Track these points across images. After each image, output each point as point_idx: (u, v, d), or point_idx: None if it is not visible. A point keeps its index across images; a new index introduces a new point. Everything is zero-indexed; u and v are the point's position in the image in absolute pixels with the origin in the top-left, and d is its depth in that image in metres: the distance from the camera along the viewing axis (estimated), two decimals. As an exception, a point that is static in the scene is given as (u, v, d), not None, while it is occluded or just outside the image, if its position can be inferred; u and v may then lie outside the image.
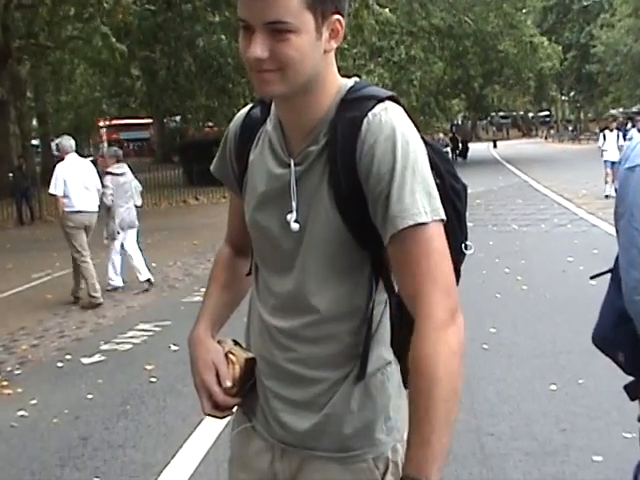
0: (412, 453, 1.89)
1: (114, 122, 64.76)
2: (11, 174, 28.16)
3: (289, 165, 2.12)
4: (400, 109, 2.08)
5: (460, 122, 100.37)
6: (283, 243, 2.15)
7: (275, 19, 1.92)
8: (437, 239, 1.96)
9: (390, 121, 2.01)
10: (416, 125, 2.08)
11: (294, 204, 2.11)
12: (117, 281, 13.05)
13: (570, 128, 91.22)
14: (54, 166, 12.32)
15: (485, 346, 8.03)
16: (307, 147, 2.10)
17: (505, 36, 53.56)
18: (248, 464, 2.34)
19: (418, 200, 1.95)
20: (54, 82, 48.48)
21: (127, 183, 12.97)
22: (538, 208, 21.55)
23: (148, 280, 12.63)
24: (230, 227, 2.52)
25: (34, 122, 53.17)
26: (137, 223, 13.38)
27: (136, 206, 13.42)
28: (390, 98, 2.09)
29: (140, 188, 13.86)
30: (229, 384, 2.19)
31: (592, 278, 3.47)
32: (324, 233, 2.08)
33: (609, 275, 3.14)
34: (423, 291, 1.93)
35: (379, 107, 2.04)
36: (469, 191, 2.36)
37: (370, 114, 2.02)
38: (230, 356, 2.26)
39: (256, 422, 2.30)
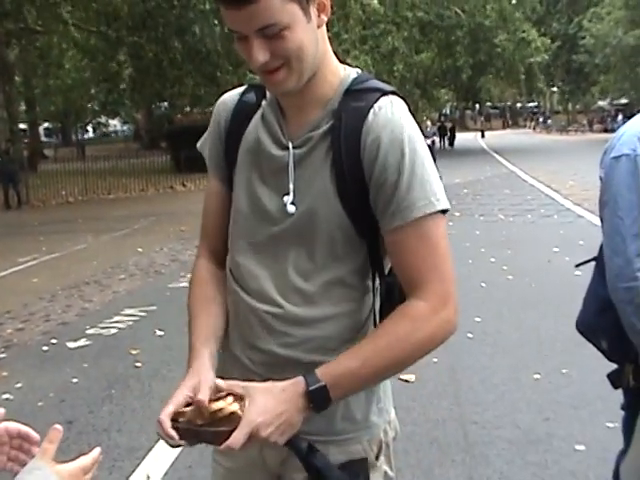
0: (335, 363, 2.00)
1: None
2: (-1, 158, 28.09)
3: (287, 148, 2.13)
4: (403, 103, 2.12)
5: (449, 111, 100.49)
6: (279, 224, 2.14)
7: (263, 24, 1.92)
8: (442, 230, 2.06)
9: (396, 114, 2.07)
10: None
11: (291, 186, 2.12)
12: None
13: (541, 119, 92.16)
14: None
15: (470, 335, 8.05)
16: (309, 132, 2.12)
17: (499, 30, 53.68)
18: (234, 452, 2.33)
19: (427, 191, 2.03)
20: (43, 66, 48.32)
21: None
22: (525, 198, 21.59)
23: None
24: (207, 229, 2.41)
25: (22, 106, 53.03)
26: None
27: None
28: (393, 92, 2.13)
29: None
30: (171, 409, 2.02)
31: (577, 266, 3.49)
32: (323, 217, 2.09)
33: (594, 264, 3.17)
34: (423, 279, 2.03)
35: (384, 100, 2.08)
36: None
37: (376, 106, 2.06)
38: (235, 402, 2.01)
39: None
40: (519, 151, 48.59)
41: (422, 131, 2.14)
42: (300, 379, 1.97)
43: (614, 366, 3.15)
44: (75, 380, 7.25)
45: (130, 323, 9.47)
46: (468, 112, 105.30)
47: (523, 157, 41.51)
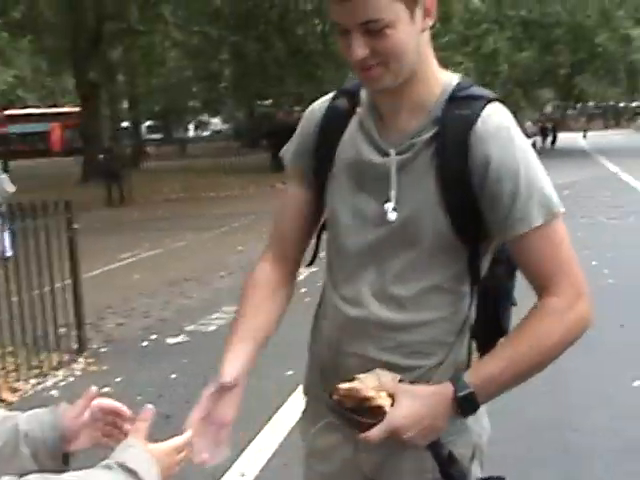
0: (480, 367, 2.05)
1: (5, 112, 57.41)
2: (102, 155, 28.57)
3: (388, 154, 2.11)
4: (507, 111, 2.12)
5: (550, 111, 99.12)
6: (380, 231, 2.14)
7: (367, 18, 1.92)
8: (563, 229, 2.10)
9: (504, 123, 2.08)
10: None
11: (393, 193, 2.11)
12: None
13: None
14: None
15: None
16: (411, 138, 2.10)
17: (601, 29, 52.82)
18: (329, 455, 2.33)
19: (545, 197, 2.05)
20: (146, 65, 49.07)
21: None
22: (627, 200, 21.19)
23: None
24: (281, 235, 2.40)
25: (125, 105, 53.93)
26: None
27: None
28: (496, 99, 2.12)
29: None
30: None
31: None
32: (425, 224, 2.08)
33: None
34: (553, 278, 2.06)
35: (490, 108, 2.09)
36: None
37: (484, 114, 2.06)
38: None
39: (335, 418, 2.25)
40: (622, 152, 47.69)
41: (523, 131, 2.13)
42: (448, 384, 1.99)
43: None
44: (173, 376, 7.35)
45: (229, 320, 9.53)
46: (569, 112, 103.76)
47: (626, 158, 40.71)
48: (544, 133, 57.39)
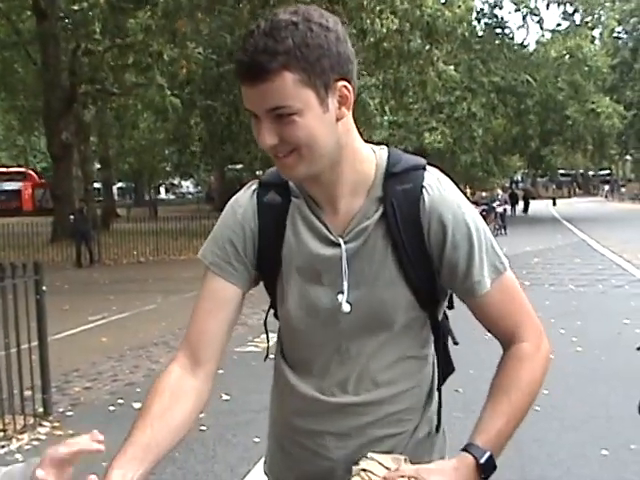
0: (486, 427, 2.03)
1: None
2: (72, 216, 28.52)
3: (337, 244, 2.10)
4: (442, 174, 2.15)
5: (520, 179, 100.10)
6: (336, 323, 2.13)
7: (274, 105, 1.90)
8: (514, 280, 2.18)
9: (448, 190, 2.11)
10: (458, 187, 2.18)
11: (345, 284, 2.10)
12: None
13: (606, 188, 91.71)
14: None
15: (537, 408, 7.87)
16: (358, 223, 2.09)
17: (570, 101, 53.73)
18: None
19: (497, 255, 2.13)
20: (118, 127, 49.22)
21: None
22: (596, 268, 21.34)
23: None
24: (196, 331, 2.22)
25: (97, 166, 54.00)
26: None
27: None
28: (429, 164, 2.14)
29: None
30: None
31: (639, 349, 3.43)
32: (390, 304, 2.09)
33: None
34: (518, 325, 2.14)
35: (428, 176, 2.10)
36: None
37: (426, 184, 2.08)
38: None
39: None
40: (591, 220, 48.16)
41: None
42: (466, 455, 1.98)
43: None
44: (140, 441, 7.26)
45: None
46: (539, 180, 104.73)
47: (595, 226, 41.10)
48: (513, 200, 57.88)
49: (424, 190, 2.06)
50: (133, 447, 1.99)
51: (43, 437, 7.68)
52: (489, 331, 2.18)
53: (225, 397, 8.59)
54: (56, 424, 8.04)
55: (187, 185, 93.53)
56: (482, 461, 1.96)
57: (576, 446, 6.97)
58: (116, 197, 66.23)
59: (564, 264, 22.56)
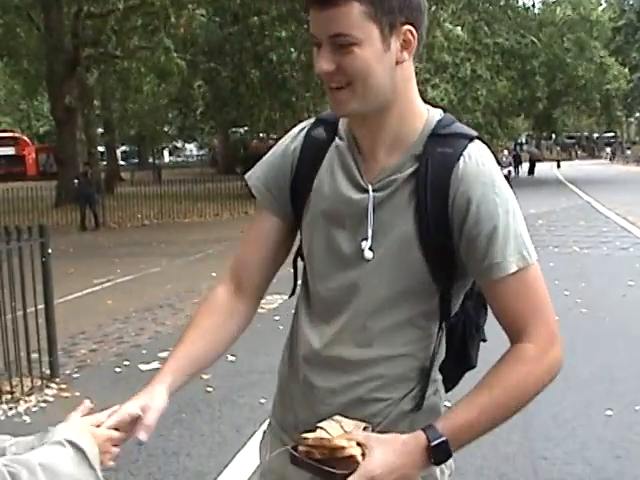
0: (453, 415, 1.99)
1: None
2: (76, 180, 28.47)
3: (366, 190, 2.11)
4: (488, 150, 2.11)
5: (524, 141, 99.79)
6: (356, 268, 2.12)
7: (337, 32, 1.92)
8: (539, 275, 2.08)
9: (486, 164, 2.06)
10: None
11: (370, 231, 2.09)
12: None
13: (608, 150, 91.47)
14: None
15: (542, 368, 7.96)
16: (390, 175, 2.09)
17: (578, 59, 53.46)
18: (284, 476, 2.30)
19: (521, 244, 2.03)
20: (121, 91, 49.03)
21: None
22: (600, 230, 21.31)
23: None
24: (243, 259, 2.34)
25: (100, 129, 53.87)
26: None
27: None
28: (478, 138, 2.11)
29: None
30: None
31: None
32: (401, 262, 2.08)
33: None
34: (529, 323, 2.04)
35: (472, 147, 2.07)
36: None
37: (466, 153, 2.05)
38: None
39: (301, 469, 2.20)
40: (595, 182, 48.01)
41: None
42: (420, 433, 1.95)
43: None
44: (146, 402, 7.28)
45: (202, 347, 9.50)
46: (543, 142, 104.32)
47: (599, 188, 40.98)
48: (517, 162, 57.73)
49: (462, 158, 2.04)
50: (176, 359, 2.19)
51: (50, 399, 7.72)
52: (498, 322, 2.10)
53: (231, 358, 8.61)
54: (63, 386, 8.08)
55: (190, 148, 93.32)
56: (433, 444, 1.93)
57: (581, 407, 7.00)
58: (120, 161, 66.18)
59: (568, 226, 22.52)
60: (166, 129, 65.70)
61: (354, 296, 2.14)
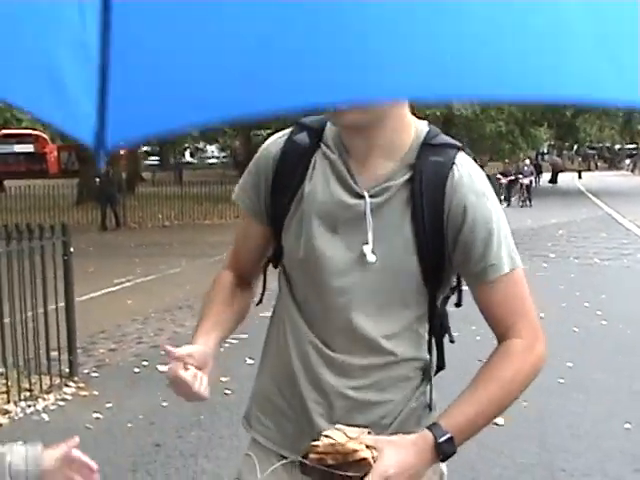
0: (454, 412, 2.08)
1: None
2: (97, 179, 28.55)
3: (362, 196, 2.14)
4: (475, 164, 2.22)
5: (546, 150, 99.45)
6: (348, 274, 2.16)
7: None
8: (523, 277, 2.21)
9: (476, 172, 2.18)
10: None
11: (370, 235, 2.13)
12: None
13: (627, 162, 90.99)
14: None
15: (561, 380, 7.95)
16: (384, 182, 2.15)
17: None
18: None
19: (511, 249, 2.17)
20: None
21: None
22: (621, 242, 21.24)
23: None
24: (237, 254, 2.48)
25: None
26: None
27: None
28: (462, 149, 2.21)
29: None
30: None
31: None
32: (397, 268, 2.14)
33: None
34: (516, 321, 2.16)
35: (461, 156, 2.17)
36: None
37: (457, 162, 2.15)
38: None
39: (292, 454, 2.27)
40: (616, 194, 47.81)
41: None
42: (427, 432, 2.03)
43: None
44: (165, 404, 7.32)
45: (221, 350, 9.50)
46: (564, 152, 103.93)
47: (620, 200, 40.81)
48: (538, 171, 57.63)
49: (454, 166, 2.13)
50: (210, 323, 2.29)
51: (69, 397, 7.75)
52: (487, 321, 2.22)
53: (249, 361, 8.60)
54: (81, 385, 8.11)
55: (212, 150, 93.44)
56: (440, 440, 2.01)
57: (600, 419, 6.98)
58: (142, 160, 66.32)
59: (589, 237, 22.45)
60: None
61: (354, 300, 2.17)
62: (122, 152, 42.61)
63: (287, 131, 2.33)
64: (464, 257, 2.14)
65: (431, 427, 2.03)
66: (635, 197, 44.43)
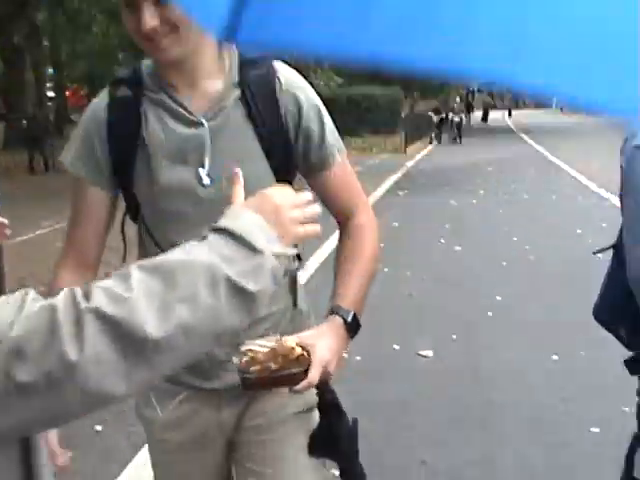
0: (344, 292, 2.28)
1: None
2: (25, 122, 28.06)
3: (201, 123, 2.22)
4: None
5: (476, 89, 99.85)
6: (205, 200, 2.22)
7: None
8: (347, 161, 2.45)
9: (296, 76, 2.34)
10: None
11: (207, 159, 2.22)
12: None
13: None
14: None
15: (490, 313, 8.07)
16: (217, 103, 2.23)
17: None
18: (187, 422, 2.40)
19: (338, 136, 2.39)
20: (71, 30, 48.24)
21: None
22: (549, 179, 21.48)
23: None
24: (79, 233, 2.43)
25: (49, 70, 53.03)
26: None
27: None
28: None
29: None
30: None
31: (595, 253, 3.46)
32: (250, 178, 2.02)
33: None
34: (355, 201, 2.42)
35: (279, 65, 2.32)
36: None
37: (278, 68, 2.29)
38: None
39: (192, 383, 2.35)
40: (546, 131, 48.27)
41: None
42: (335, 316, 2.22)
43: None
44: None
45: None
46: (496, 91, 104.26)
47: (549, 137, 41.24)
48: (469, 109, 57.88)
49: (277, 73, 2.28)
50: None
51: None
52: (328, 207, 2.37)
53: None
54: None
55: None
56: (349, 320, 2.21)
57: (528, 351, 7.10)
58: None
59: (518, 174, 22.66)
60: (117, 70, 64.81)
61: (206, 223, 2.17)
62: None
63: (104, 91, 2.35)
64: (305, 145, 2.30)
65: (335, 310, 2.23)
66: (563, 135, 44.96)
